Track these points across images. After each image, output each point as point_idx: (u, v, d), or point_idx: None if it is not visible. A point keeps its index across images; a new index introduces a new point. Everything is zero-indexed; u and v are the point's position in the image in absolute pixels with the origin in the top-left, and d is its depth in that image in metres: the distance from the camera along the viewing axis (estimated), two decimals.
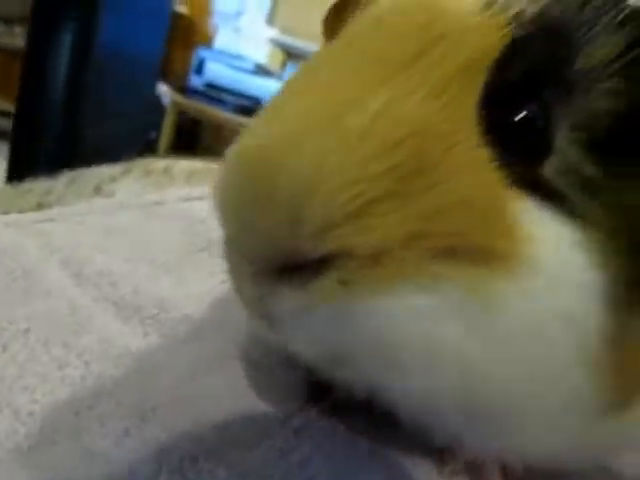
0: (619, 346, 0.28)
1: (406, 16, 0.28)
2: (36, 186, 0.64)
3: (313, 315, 0.24)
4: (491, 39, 0.27)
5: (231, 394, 0.37)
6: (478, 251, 0.24)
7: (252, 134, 0.25)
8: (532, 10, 0.29)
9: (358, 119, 0.23)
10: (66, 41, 1.58)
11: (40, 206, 0.58)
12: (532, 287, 0.25)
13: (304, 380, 0.40)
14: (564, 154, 0.28)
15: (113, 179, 0.69)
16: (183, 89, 3.11)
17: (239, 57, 3.13)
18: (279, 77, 3.20)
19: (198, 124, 3.40)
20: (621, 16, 0.29)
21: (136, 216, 0.58)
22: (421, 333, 0.24)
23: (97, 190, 0.65)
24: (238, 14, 3.31)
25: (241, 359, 0.41)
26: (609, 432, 0.36)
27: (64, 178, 0.68)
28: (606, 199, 0.28)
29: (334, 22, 0.40)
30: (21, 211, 0.56)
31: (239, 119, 2.92)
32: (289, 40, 3.18)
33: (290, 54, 3.21)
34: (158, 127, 3.06)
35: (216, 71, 3.12)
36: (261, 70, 3.14)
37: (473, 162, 0.25)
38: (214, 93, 3.04)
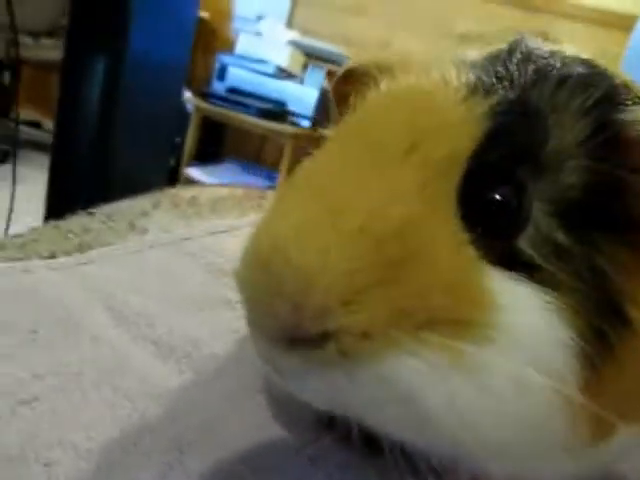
0: (592, 391, 0.32)
1: (394, 111, 0.33)
2: (75, 225, 0.70)
3: (314, 377, 0.29)
4: (471, 131, 0.31)
5: (257, 427, 0.43)
6: (457, 322, 0.28)
7: (265, 227, 0.30)
8: (511, 95, 0.33)
9: (354, 220, 0.28)
10: (100, 55, 1.66)
11: (80, 246, 0.64)
12: (508, 350, 0.29)
13: (317, 412, 0.45)
14: (538, 225, 0.32)
15: (145, 214, 0.75)
16: (206, 95, 3.17)
17: (260, 61, 3.17)
18: (300, 79, 3.24)
19: (222, 129, 3.47)
20: (589, 102, 0.33)
21: (166, 253, 0.63)
22: (409, 394, 0.29)
23: (131, 226, 0.71)
24: (258, 18, 3.36)
25: (263, 393, 0.46)
26: (598, 457, 0.40)
27: (100, 215, 0.74)
28: (574, 265, 0.32)
29: (341, 90, 0.45)
30: (66, 252, 0.62)
31: (262, 122, 2.98)
32: (308, 42, 3.22)
33: (310, 55, 3.25)
34: (183, 133, 3.13)
35: (238, 76, 3.17)
36: (282, 73, 3.19)
37: (451, 247, 0.29)
38: (237, 98, 3.09)
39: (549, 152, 0.32)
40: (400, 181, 0.29)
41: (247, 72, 3.16)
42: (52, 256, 0.61)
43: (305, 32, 3.26)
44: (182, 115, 3.06)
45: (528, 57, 0.36)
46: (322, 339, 0.28)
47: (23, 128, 3.20)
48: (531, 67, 0.35)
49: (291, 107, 3.08)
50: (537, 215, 0.32)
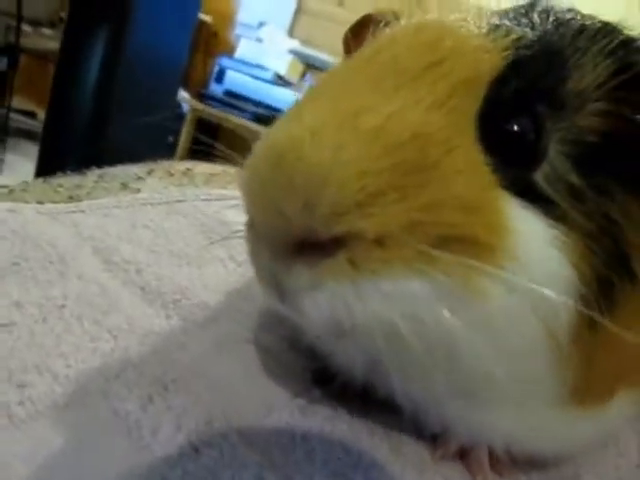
0: (586, 343, 0.31)
1: (418, 34, 0.32)
2: (66, 181, 0.68)
3: (322, 291, 0.28)
4: (493, 58, 0.31)
5: (243, 373, 0.41)
6: (468, 241, 0.28)
7: (277, 129, 0.29)
8: (532, 35, 0.33)
9: (371, 120, 0.27)
10: (99, 46, 1.64)
11: (71, 199, 0.62)
12: (513, 278, 0.28)
13: (310, 366, 0.44)
14: (553, 164, 0.31)
15: (139, 178, 0.74)
16: (202, 96, 3.17)
17: (259, 67, 3.18)
18: (297, 87, 3.25)
19: (216, 131, 3.46)
20: (612, 45, 0.32)
21: (159, 212, 0.62)
22: (414, 313, 0.28)
23: (124, 187, 0.69)
24: (260, 25, 3.38)
25: (253, 343, 0.44)
26: (595, 423, 0.39)
27: (93, 175, 0.72)
28: (587, 207, 0.31)
29: (352, 42, 0.44)
30: (54, 203, 0.60)
31: (256, 127, 2.98)
32: (308, 52, 3.24)
33: (309, 65, 3.27)
34: (177, 132, 3.12)
35: (236, 80, 3.18)
36: (280, 80, 3.20)
37: (469, 164, 0.28)
38: (233, 101, 3.10)
39: (568, 92, 0.32)
40: (420, 93, 0.28)
41: (245, 77, 3.17)
42: (39, 203, 0.59)
43: (306, 42, 3.28)
44: (177, 115, 3.05)
45: (549, 10, 0.36)
46: (332, 246, 0.27)
47: (17, 117, 3.16)
48: (552, 17, 0.35)
49: None
50: (553, 154, 0.31)
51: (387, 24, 0.36)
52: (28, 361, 0.36)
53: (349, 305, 0.27)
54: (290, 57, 3.22)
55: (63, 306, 0.42)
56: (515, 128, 0.30)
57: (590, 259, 0.31)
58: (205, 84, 3.32)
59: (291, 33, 3.42)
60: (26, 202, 0.60)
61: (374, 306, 0.27)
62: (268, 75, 3.18)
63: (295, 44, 3.29)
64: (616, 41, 0.33)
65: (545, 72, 0.31)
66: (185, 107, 3.18)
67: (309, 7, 3.41)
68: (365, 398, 0.41)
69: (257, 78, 3.17)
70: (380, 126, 0.27)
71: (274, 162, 0.27)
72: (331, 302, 0.28)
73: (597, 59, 0.32)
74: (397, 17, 0.39)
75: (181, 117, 3.15)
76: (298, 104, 0.30)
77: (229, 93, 3.17)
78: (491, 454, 0.41)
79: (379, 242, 0.26)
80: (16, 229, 0.50)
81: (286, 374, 0.42)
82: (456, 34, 0.32)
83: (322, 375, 0.43)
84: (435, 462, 0.41)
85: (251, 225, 0.30)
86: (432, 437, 0.41)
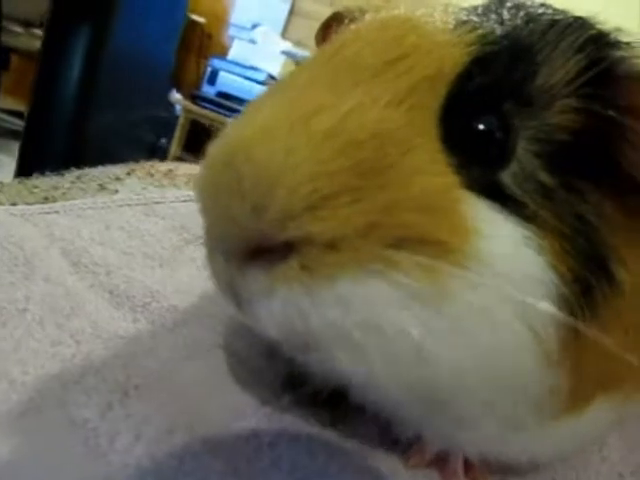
0: (572, 346, 0.30)
1: (381, 30, 0.31)
2: (43, 182, 0.67)
3: (275, 297, 0.26)
4: (457, 54, 0.30)
5: (210, 379, 0.40)
6: (429, 243, 0.26)
7: (230, 131, 0.28)
8: (500, 31, 0.32)
9: (326, 120, 0.26)
10: (80, 44, 1.63)
11: (46, 200, 0.61)
12: (479, 279, 0.27)
13: (281, 372, 0.43)
14: (522, 163, 0.30)
15: (117, 178, 0.72)
16: (195, 97, 3.16)
17: (252, 68, 3.17)
18: None
19: (209, 132, 3.45)
20: (581, 40, 0.31)
21: (135, 213, 0.61)
22: (372, 318, 0.26)
23: (101, 188, 0.68)
24: (253, 26, 3.37)
25: (223, 349, 0.43)
26: (573, 429, 0.38)
27: (70, 176, 0.71)
28: (559, 207, 0.30)
29: (323, 37, 0.43)
30: (28, 204, 0.59)
31: None
32: (302, 53, 3.23)
33: None
34: (169, 134, 3.10)
35: (228, 81, 3.17)
36: (273, 81, 3.18)
37: (428, 164, 0.27)
38: (226, 102, 3.09)
39: (537, 88, 0.31)
40: (379, 90, 0.27)
41: (238, 78, 3.16)
42: (13, 205, 0.57)
43: (299, 43, 3.27)
44: (170, 116, 3.04)
45: (519, 5, 0.35)
46: (285, 251, 0.26)
47: (5, 117, 3.14)
48: (522, 12, 0.34)
49: None
50: (522, 153, 0.30)
51: (353, 20, 0.35)
52: None
53: (303, 312, 0.26)
54: (283, 58, 3.20)
55: (25, 309, 0.40)
56: (481, 127, 0.29)
57: (567, 260, 0.29)
58: (198, 85, 3.31)
59: (284, 35, 3.41)
60: (0, 203, 0.59)
61: (329, 313, 0.26)
62: (261, 76, 3.16)
63: (289, 46, 3.28)
64: (586, 36, 0.32)
65: (512, 68, 0.30)
66: (178, 109, 3.17)
67: (303, 9, 3.41)
68: (337, 405, 0.40)
69: (250, 79, 3.16)
70: (335, 126, 0.25)
71: (224, 163, 0.26)
72: (285, 309, 0.26)
73: (566, 55, 0.31)
74: (363, 13, 0.37)
75: (174, 118, 3.14)
76: (254, 103, 0.29)
77: (222, 94, 3.16)
78: (467, 461, 0.40)
79: (332, 246, 0.25)
80: None
81: (255, 380, 0.41)
82: (421, 30, 0.31)
83: (292, 381, 0.41)
84: (409, 470, 0.40)
85: (206, 229, 0.29)
86: (408, 444, 0.40)
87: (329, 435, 0.38)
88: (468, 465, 0.40)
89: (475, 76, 0.29)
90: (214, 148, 0.27)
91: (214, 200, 0.26)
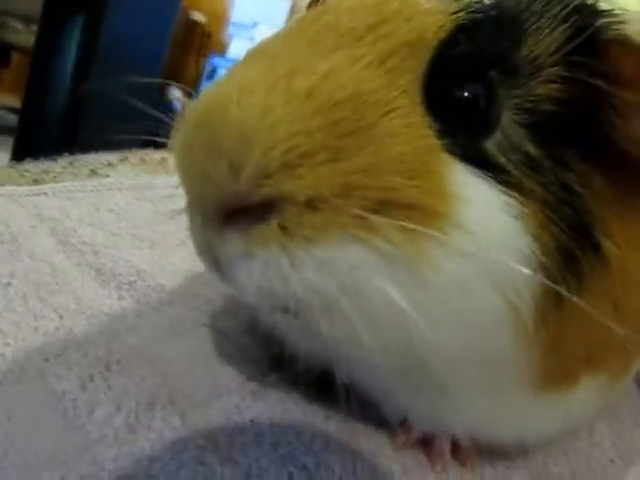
0: (552, 319, 0.30)
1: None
2: (34, 166, 0.66)
3: (254, 259, 0.26)
4: (442, 21, 0.29)
5: (194, 356, 0.40)
6: (409, 207, 0.26)
7: (207, 92, 0.27)
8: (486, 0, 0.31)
9: (304, 81, 0.25)
10: (74, 37, 1.63)
11: (36, 182, 0.60)
12: (460, 246, 0.26)
13: (267, 350, 0.42)
14: (507, 133, 0.29)
15: (110, 165, 0.72)
16: (195, 95, 3.16)
17: None
18: None
19: None
20: (567, 9, 0.31)
21: (126, 196, 0.60)
22: (353, 284, 0.26)
23: (92, 173, 0.67)
24: (254, 25, 3.37)
25: (208, 327, 0.43)
26: (560, 410, 0.37)
27: (62, 161, 0.70)
28: (544, 177, 0.29)
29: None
30: (18, 186, 0.59)
31: None
32: None
33: None
34: (164, 130, 3.10)
35: None
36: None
37: (409, 127, 0.27)
38: None
39: (523, 58, 0.30)
40: (359, 52, 0.27)
41: None
42: (2, 185, 0.57)
43: None
44: (168, 113, 3.03)
45: None
46: (263, 212, 0.25)
47: (5, 114, 3.13)
48: None
49: None
50: (507, 123, 0.30)
51: None
52: None
53: (283, 274, 0.26)
54: None
55: (8, 284, 0.40)
56: (465, 94, 0.29)
57: (551, 230, 0.29)
58: (197, 83, 3.31)
59: None
60: None
61: (309, 276, 0.26)
62: None
63: None
64: (571, 5, 0.31)
65: (498, 37, 0.30)
66: (178, 105, 3.17)
67: (303, 8, 3.41)
68: (324, 385, 0.39)
69: None
70: (313, 86, 0.25)
71: (200, 124, 0.25)
72: (264, 271, 0.26)
73: (552, 24, 0.31)
74: None
75: (170, 115, 3.13)
76: (233, 66, 0.29)
77: None
78: (455, 443, 0.40)
79: (311, 206, 0.25)
80: None
81: (241, 359, 0.41)
82: None
83: (279, 361, 0.41)
84: (395, 451, 0.39)
85: (185, 193, 0.29)
86: (394, 425, 0.40)
87: (314, 413, 0.38)
88: (456, 447, 0.40)
89: (460, 43, 0.29)
90: (191, 109, 0.27)
91: (190, 160, 0.26)
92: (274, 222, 0.25)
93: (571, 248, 0.29)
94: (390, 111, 0.26)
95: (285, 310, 0.28)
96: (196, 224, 0.28)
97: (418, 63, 0.28)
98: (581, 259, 0.30)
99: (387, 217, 0.25)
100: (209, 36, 3.52)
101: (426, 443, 0.40)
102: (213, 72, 3.22)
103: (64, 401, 0.32)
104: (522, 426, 0.38)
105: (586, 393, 0.36)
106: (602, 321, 0.28)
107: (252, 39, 3.31)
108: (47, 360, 0.35)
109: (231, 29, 3.47)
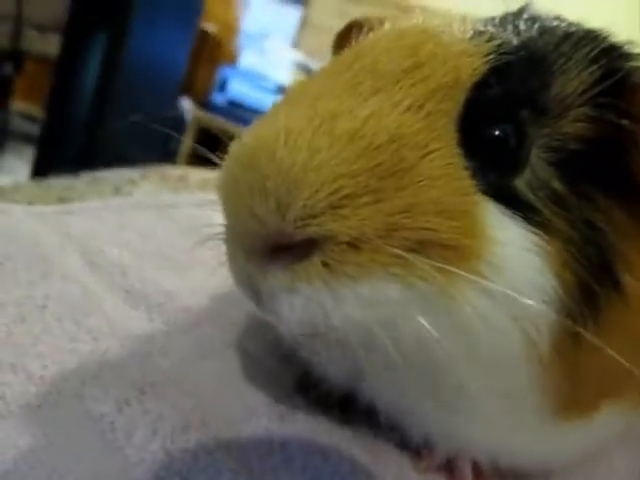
0: (569, 352, 0.31)
1: (399, 39, 0.32)
2: (58, 183, 0.68)
3: (297, 294, 0.27)
4: (475, 63, 0.30)
5: (224, 379, 0.41)
6: (446, 247, 0.27)
7: (252, 130, 0.29)
8: (516, 41, 0.33)
9: (347, 124, 0.27)
10: (97, 52, 1.65)
11: (61, 200, 0.62)
12: (491, 285, 0.28)
13: (293, 373, 0.43)
14: (535, 171, 0.31)
15: (132, 182, 0.73)
16: (205, 105, 3.18)
17: (262, 77, 3.20)
18: None
19: (218, 139, 3.47)
20: (596, 51, 0.32)
21: (150, 215, 0.62)
22: (391, 318, 0.27)
23: (116, 191, 0.69)
24: (264, 36, 3.40)
25: (235, 349, 0.44)
26: (579, 437, 0.38)
27: (86, 177, 0.72)
28: (570, 214, 0.31)
29: (340, 45, 0.44)
30: (43, 204, 0.60)
31: None
32: (312, 63, 3.25)
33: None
34: (178, 140, 3.12)
35: (239, 89, 3.19)
36: (283, 91, 3.20)
37: (446, 168, 0.28)
38: (235, 110, 3.11)
39: (552, 98, 0.31)
40: (398, 96, 0.28)
41: (248, 86, 3.19)
42: (29, 204, 0.58)
43: (310, 54, 3.30)
44: (180, 123, 3.06)
45: (534, 18, 0.36)
46: (307, 249, 0.27)
47: (19, 121, 3.16)
48: (537, 24, 0.35)
49: None
50: (535, 160, 0.31)
51: (371, 29, 0.36)
52: (4, 360, 0.35)
53: (325, 309, 0.27)
54: (293, 68, 3.23)
55: (44, 306, 0.41)
56: (496, 133, 0.30)
57: (573, 267, 0.30)
58: (209, 93, 3.34)
59: (295, 45, 3.44)
60: (16, 203, 0.60)
61: (350, 311, 0.27)
62: (271, 85, 3.19)
63: (299, 56, 3.31)
64: (600, 47, 0.33)
65: (528, 77, 0.31)
66: (188, 115, 3.19)
67: (314, 20, 3.43)
68: (348, 408, 0.40)
69: (260, 88, 3.18)
70: (356, 129, 0.26)
71: (247, 163, 0.27)
72: (307, 305, 0.27)
73: (581, 65, 0.32)
74: (382, 22, 0.38)
75: (184, 125, 3.15)
76: (275, 106, 0.30)
77: (232, 102, 3.18)
78: (476, 467, 0.41)
79: (354, 245, 0.26)
80: (3, 229, 0.49)
81: (267, 381, 0.42)
82: (438, 39, 0.31)
83: (304, 382, 0.42)
84: (418, 474, 0.40)
85: (227, 227, 0.30)
86: (417, 449, 0.41)
87: (340, 436, 0.39)
88: (478, 472, 0.41)
89: (492, 84, 0.30)
90: (236, 148, 0.28)
91: (237, 199, 0.27)
92: (317, 259, 0.26)
93: (591, 284, 0.31)
94: (428, 153, 0.28)
95: (324, 339, 0.29)
96: (238, 257, 0.29)
97: (454, 105, 0.29)
98: (600, 294, 0.31)
99: (425, 256, 0.27)
100: (220, 46, 3.55)
101: (449, 468, 0.41)
102: (224, 82, 3.24)
103: (102, 423, 0.33)
104: (543, 451, 0.39)
105: (607, 419, 0.37)
106: (617, 358, 0.29)
107: (263, 50, 3.34)
108: (84, 382, 0.36)
109: (242, 40, 3.50)
